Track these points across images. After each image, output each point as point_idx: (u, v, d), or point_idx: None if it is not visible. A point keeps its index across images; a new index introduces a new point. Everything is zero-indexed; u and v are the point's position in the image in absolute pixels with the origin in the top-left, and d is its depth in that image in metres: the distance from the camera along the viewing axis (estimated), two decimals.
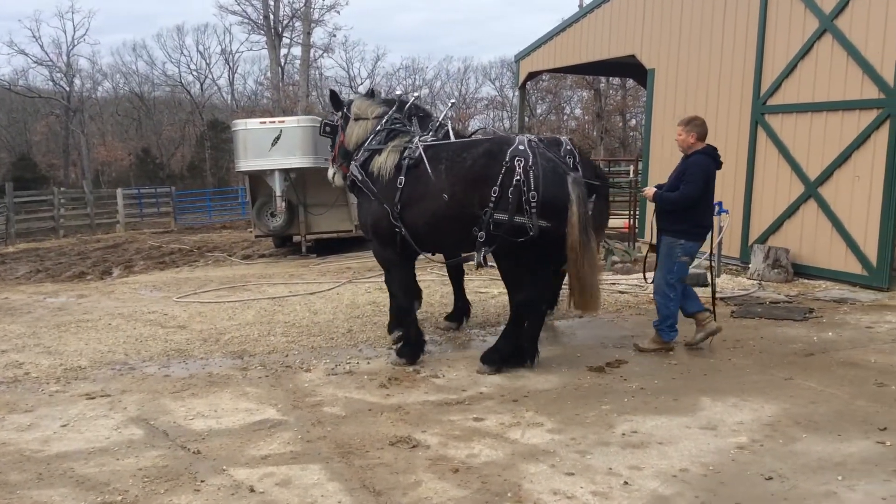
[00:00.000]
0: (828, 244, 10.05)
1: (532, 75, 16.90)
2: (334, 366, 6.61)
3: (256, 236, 17.58)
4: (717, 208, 10.00)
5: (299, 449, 4.73)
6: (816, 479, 4.18)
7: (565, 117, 52.30)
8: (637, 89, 37.91)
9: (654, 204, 6.90)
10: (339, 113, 7.26)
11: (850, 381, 5.97)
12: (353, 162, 6.87)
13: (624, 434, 4.90)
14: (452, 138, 6.81)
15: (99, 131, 54.78)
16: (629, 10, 13.60)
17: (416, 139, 6.65)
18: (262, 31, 42.69)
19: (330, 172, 7.48)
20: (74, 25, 69.97)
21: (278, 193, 15.36)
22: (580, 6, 23.84)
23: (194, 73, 59.56)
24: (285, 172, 15.28)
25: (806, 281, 10.19)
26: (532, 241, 6.07)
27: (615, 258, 12.11)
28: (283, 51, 46.79)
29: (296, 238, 17.14)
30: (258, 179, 15.97)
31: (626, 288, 10.10)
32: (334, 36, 49.11)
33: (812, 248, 10.26)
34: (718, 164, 6.82)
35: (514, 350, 6.41)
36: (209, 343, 7.59)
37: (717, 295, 9.49)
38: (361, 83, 68.26)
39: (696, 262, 11.08)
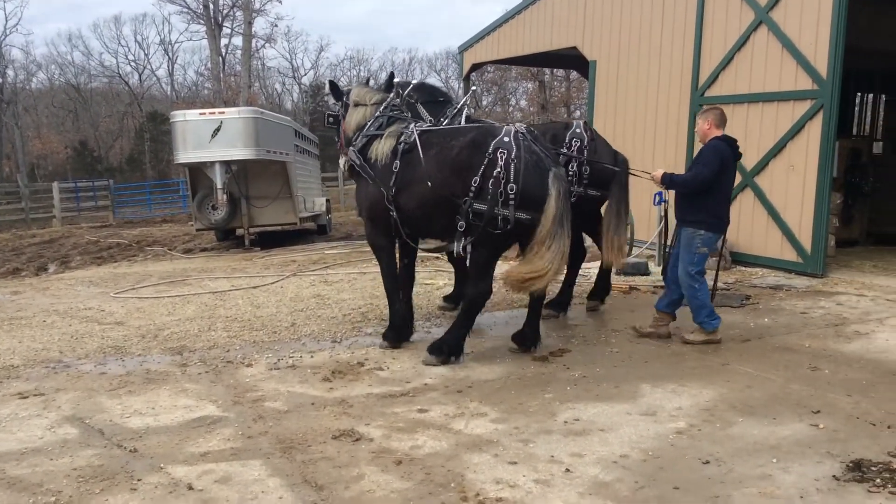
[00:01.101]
0: (764, 232, 10.29)
1: (476, 66, 16.92)
2: (277, 360, 6.52)
3: (198, 230, 17.24)
4: (656, 198, 10.16)
5: (240, 445, 4.65)
6: (752, 461, 4.27)
7: (511, 108, 52.60)
8: (581, 81, 38.26)
9: (664, 192, 6.89)
10: (340, 102, 7.31)
11: (785, 365, 6.12)
12: (351, 147, 6.93)
13: (566, 422, 4.94)
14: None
15: (34, 123, 53.15)
16: (570, 3, 13.70)
17: (412, 125, 6.70)
18: (202, 21, 41.89)
19: (342, 161, 7.52)
20: (6, 14, 67.65)
21: (219, 186, 15.07)
22: None
23: (132, 63, 58.32)
24: (226, 164, 15.00)
25: (743, 268, 10.43)
26: (509, 234, 6.12)
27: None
28: (224, 41, 46.04)
29: (239, 231, 16.90)
30: (199, 172, 15.66)
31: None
32: (276, 26, 48.32)
33: (749, 237, 10.49)
34: (737, 154, 6.80)
35: (461, 342, 6.42)
36: (147, 339, 7.43)
37: (658, 283, 9.67)
38: (305, 74, 67.54)
39: (636, 250, 11.27)
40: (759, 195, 10.26)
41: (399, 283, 7.10)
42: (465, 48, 16.82)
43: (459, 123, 7.00)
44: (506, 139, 6.12)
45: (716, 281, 7.58)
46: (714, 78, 10.78)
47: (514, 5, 15.43)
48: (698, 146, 10.34)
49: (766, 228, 10.26)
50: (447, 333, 6.50)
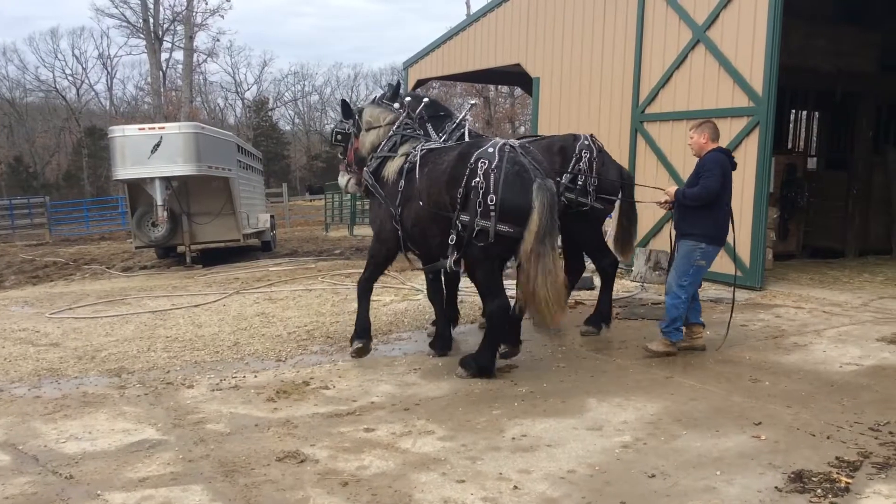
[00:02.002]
0: None
1: (421, 82, 16.95)
2: (219, 381, 6.38)
3: (137, 247, 16.88)
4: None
5: (180, 469, 4.52)
6: (696, 474, 4.32)
7: None
8: (525, 97, 38.66)
9: (667, 206, 7.04)
10: (351, 121, 7.38)
11: (727, 377, 6.22)
12: (365, 168, 7.03)
13: (514, 438, 4.93)
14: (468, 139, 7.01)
15: None
16: (513, 21, 13.85)
17: (419, 145, 6.73)
18: (142, 35, 41.23)
19: (342, 180, 7.59)
20: None
21: (159, 202, 14.79)
22: (468, 15, 24.10)
23: (70, 77, 57.05)
24: (166, 180, 14.73)
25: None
26: (499, 248, 6.07)
27: (508, 263, 12.23)
28: (165, 55, 45.44)
29: (180, 248, 16.58)
30: (138, 188, 15.35)
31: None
32: (218, 40, 47.84)
33: None
34: (733, 165, 6.88)
35: (492, 360, 6.33)
36: (84, 361, 7.20)
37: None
38: (248, 89, 67.03)
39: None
40: None
41: (436, 299, 7.31)
42: (409, 64, 16.85)
43: (462, 138, 7.09)
44: (489, 150, 6.08)
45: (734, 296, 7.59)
46: (654, 96, 10.99)
47: (457, 23, 15.55)
48: (641, 161, 10.56)
49: None
50: (478, 351, 6.38)
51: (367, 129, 7.16)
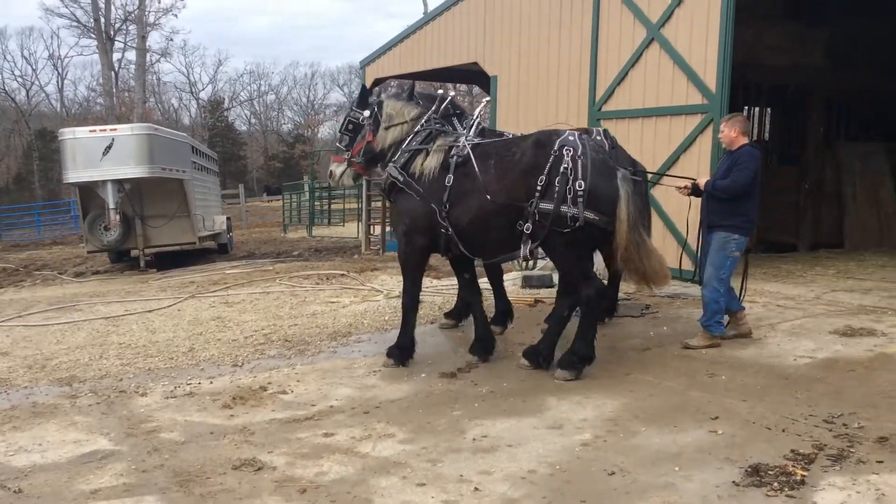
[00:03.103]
0: (661, 243, 10.54)
1: (378, 81, 16.86)
2: (173, 388, 6.25)
3: (89, 252, 16.56)
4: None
5: (133, 480, 4.41)
6: (656, 470, 4.33)
7: None
8: (483, 95, 38.68)
9: (697, 196, 7.16)
10: (367, 112, 6.99)
11: (684, 372, 6.27)
12: (391, 164, 6.74)
13: (474, 439, 4.90)
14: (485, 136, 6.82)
15: None
16: (470, 19, 13.84)
17: (462, 138, 6.57)
18: (93, 35, 40.44)
19: (338, 170, 7.14)
20: None
21: (111, 206, 14.53)
22: (425, 13, 24.03)
23: (19, 79, 55.76)
24: (119, 183, 14.47)
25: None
26: (583, 234, 6.04)
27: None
28: (117, 55, 44.67)
29: (134, 252, 16.29)
30: (89, 191, 15.05)
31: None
32: (171, 40, 47.11)
33: None
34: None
35: (591, 348, 6.25)
36: (34, 370, 7.01)
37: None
38: (203, 89, 66.15)
39: (542, 262, 11.38)
40: (656, 207, 10.52)
41: (471, 297, 7.09)
42: (367, 63, 16.75)
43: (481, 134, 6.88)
44: (570, 138, 6.10)
45: (743, 286, 7.53)
46: (610, 93, 11.06)
47: (415, 21, 15.51)
48: None
49: (662, 239, 10.53)
50: (575, 344, 6.25)
51: (388, 125, 6.90)
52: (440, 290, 10.42)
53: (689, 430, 4.95)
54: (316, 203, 27.13)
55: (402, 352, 6.74)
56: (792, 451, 4.52)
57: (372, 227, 17.43)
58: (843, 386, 5.81)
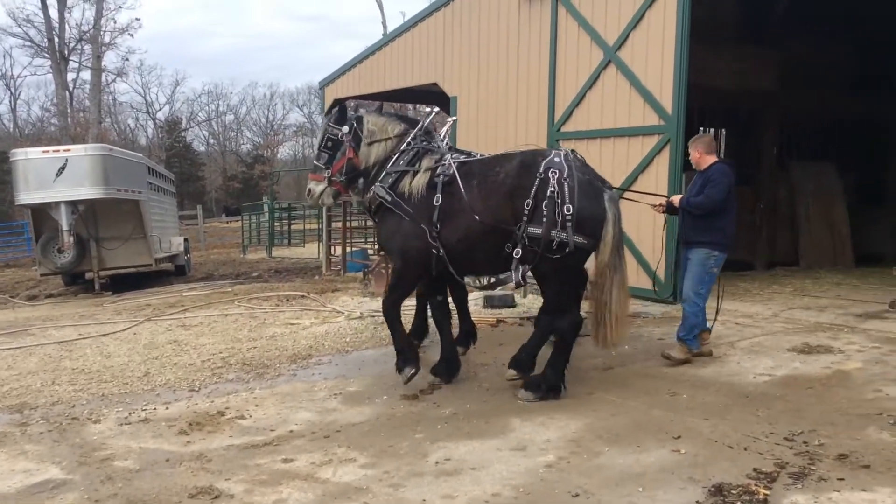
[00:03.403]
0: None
1: (338, 102, 16.70)
2: (128, 414, 6.08)
3: (42, 275, 16.17)
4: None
5: None
6: (619, 491, 4.31)
7: None
8: (443, 117, 38.79)
9: (671, 214, 7.30)
10: (346, 128, 6.71)
11: (646, 391, 6.28)
12: (377, 184, 6.52)
13: (437, 462, 4.83)
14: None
15: None
16: (429, 40, 13.89)
17: (448, 157, 6.45)
18: (47, 55, 39.75)
19: (318, 188, 6.82)
20: None
21: (65, 227, 14.23)
22: (384, 34, 24.04)
23: None
24: (72, 205, 14.18)
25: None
26: (573, 259, 6.02)
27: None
28: (72, 75, 43.90)
29: (88, 275, 15.95)
30: (42, 213, 14.72)
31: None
32: (127, 60, 46.48)
33: None
34: (735, 177, 7.12)
35: (560, 379, 6.21)
36: None
37: (524, 315, 9.80)
38: (160, 109, 65.41)
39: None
40: None
41: (435, 321, 6.99)
42: (326, 83, 16.70)
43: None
44: (556, 159, 6.03)
45: (717, 311, 7.62)
46: (568, 114, 11.15)
47: (375, 42, 15.51)
48: None
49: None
50: (546, 371, 6.21)
51: (371, 142, 6.70)
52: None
53: (652, 450, 4.94)
54: (276, 223, 26.88)
55: (408, 363, 6.51)
56: (754, 469, 4.53)
57: (333, 247, 17.28)
58: (803, 403, 5.87)
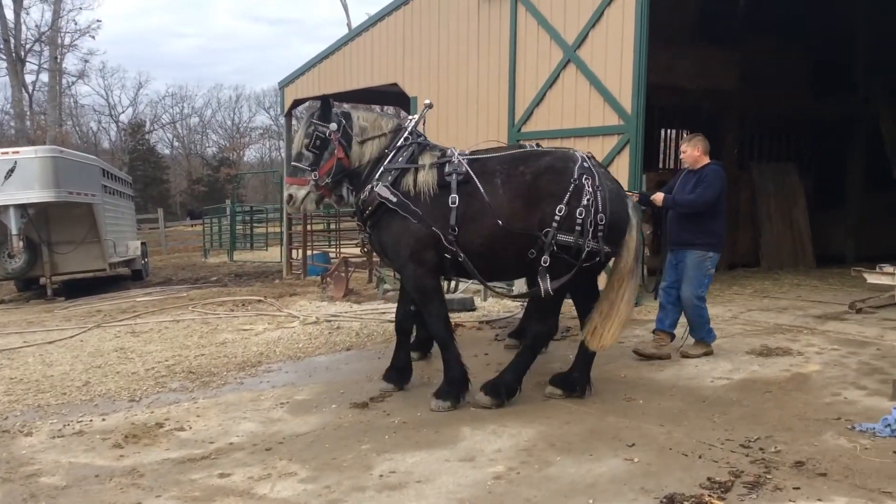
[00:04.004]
0: None
1: (298, 102, 16.54)
2: (62, 426, 5.79)
3: None
4: None
5: None
6: (569, 503, 4.13)
7: None
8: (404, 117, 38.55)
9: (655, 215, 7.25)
10: (334, 125, 6.08)
11: (602, 397, 6.12)
12: (379, 183, 5.97)
13: (382, 475, 4.62)
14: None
15: None
16: (389, 40, 13.68)
17: (454, 153, 6.06)
18: (3, 56, 38.88)
19: (300, 193, 6.16)
20: None
21: (14, 232, 13.78)
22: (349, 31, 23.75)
23: None
24: (22, 208, 13.74)
25: (566, 300, 10.55)
26: (596, 266, 5.88)
27: (387, 286, 11.96)
28: (31, 77, 43.00)
29: (42, 280, 15.50)
30: None
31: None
32: (87, 61, 45.69)
33: None
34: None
35: (519, 382, 6.02)
36: None
37: (483, 318, 9.63)
38: (123, 111, 64.34)
39: (462, 286, 11.20)
40: None
41: (400, 328, 6.64)
42: (285, 84, 16.41)
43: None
44: (586, 164, 5.82)
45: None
46: (529, 114, 11.00)
47: (335, 41, 15.26)
48: None
49: None
50: (505, 373, 6.00)
51: (364, 139, 6.14)
52: (359, 315, 10.11)
53: (605, 459, 4.78)
54: (238, 227, 26.48)
55: (457, 388, 5.98)
56: (708, 479, 4.38)
57: (294, 250, 16.97)
58: (760, 408, 5.75)
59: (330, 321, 9.60)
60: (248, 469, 4.79)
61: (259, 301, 11.88)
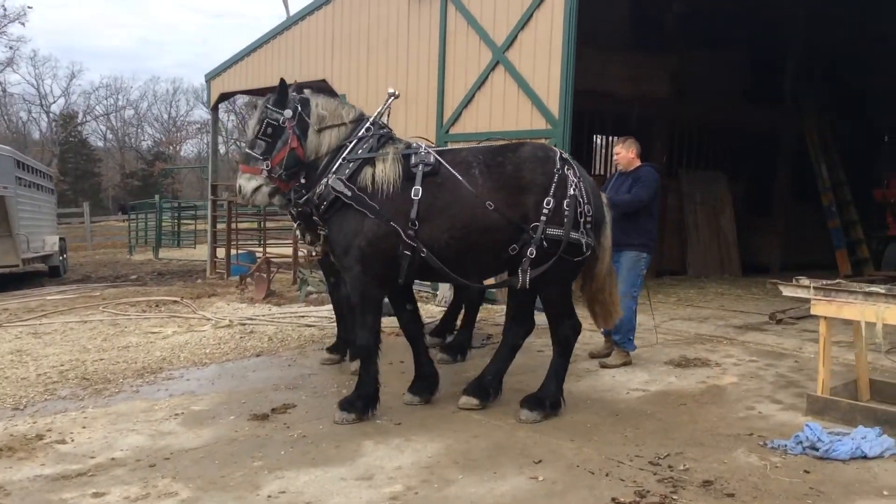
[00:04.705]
0: None
1: (225, 96, 16.07)
2: None
3: None
4: None
5: None
6: None
7: None
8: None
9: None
10: (288, 112, 5.59)
11: (514, 409, 5.86)
12: (332, 176, 5.52)
13: (270, 496, 4.31)
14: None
15: None
16: (318, 35, 13.34)
17: (421, 145, 5.75)
18: None
19: (249, 184, 5.63)
20: None
21: None
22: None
23: None
24: None
25: (490, 306, 10.39)
26: (583, 262, 5.69)
27: (310, 288, 11.61)
28: None
29: None
30: None
31: (315, 321, 9.60)
32: (16, 49, 43.93)
33: None
34: None
35: (561, 391, 5.83)
36: None
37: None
38: (54, 101, 62.26)
39: None
40: None
41: (408, 335, 6.20)
42: (212, 77, 15.89)
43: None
44: (563, 155, 5.70)
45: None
46: (457, 115, 10.79)
47: (263, 34, 14.81)
48: None
49: None
50: (548, 384, 5.79)
51: (321, 128, 5.68)
52: (276, 318, 9.74)
53: (509, 477, 4.56)
54: (167, 223, 25.72)
55: (365, 401, 5.68)
56: (612, 499, 4.21)
57: (218, 249, 16.44)
58: (673, 422, 5.61)
59: (244, 325, 9.22)
60: (125, 488, 4.42)
61: (175, 302, 11.40)
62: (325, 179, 5.59)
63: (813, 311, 5.71)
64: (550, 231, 5.45)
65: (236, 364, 7.49)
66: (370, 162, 5.60)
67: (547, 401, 5.71)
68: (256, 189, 5.65)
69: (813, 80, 15.31)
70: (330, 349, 7.63)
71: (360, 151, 5.63)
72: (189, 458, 4.92)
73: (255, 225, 21.55)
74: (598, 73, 11.62)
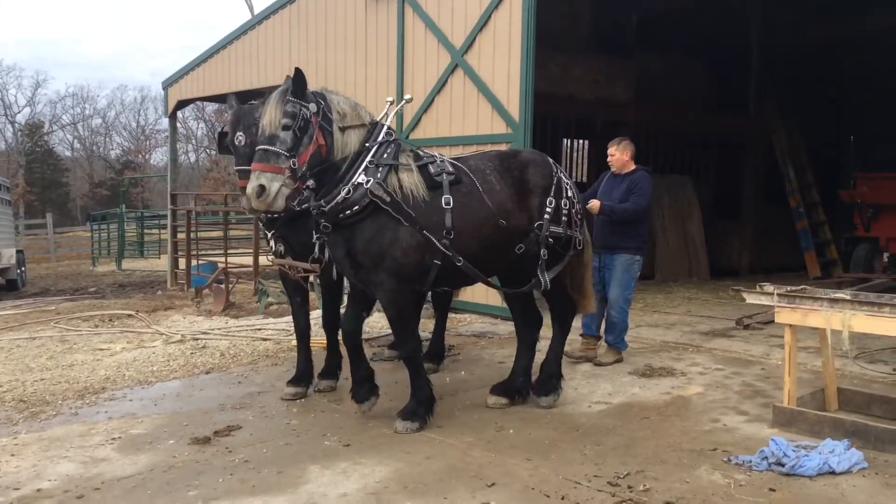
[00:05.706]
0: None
1: (182, 103, 15.69)
2: None
3: None
4: None
5: None
6: None
7: None
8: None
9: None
10: (313, 107, 5.09)
11: (472, 426, 5.65)
12: (370, 180, 5.13)
13: None
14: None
15: None
16: (276, 39, 13.06)
17: (435, 154, 5.77)
18: None
19: (273, 185, 4.93)
20: None
21: None
22: None
23: None
24: None
25: (452, 315, 10.11)
26: (572, 256, 6.07)
27: (270, 300, 11.28)
28: None
29: None
30: None
31: (272, 334, 9.28)
32: None
33: None
34: None
35: (560, 366, 6.33)
36: None
37: (364, 337, 9.05)
38: (20, 111, 61.19)
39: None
40: None
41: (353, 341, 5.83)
42: (169, 84, 15.49)
43: None
44: (550, 159, 6.13)
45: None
46: (417, 120, 10.54)
47: (221, 38, 14.46)
48: None
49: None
50: (547, 366, 6.23)
51: (345, 127, 5.25)
52: (231, 332, 9.41)
53: (460, 503, 4.30)
54: (131, 233, 25.19)
55: (425, 406, 5.61)
56: None
57: (178, 259, 16.03)
58: (635, 437, 5.39)
59: (197, 339, 8.88)
60: None
61: (129, 316, 11.02)
62: (353, 182, 5.16)
63: (777, 320, 5.53)
64: (554, 229, 5.81)
65: (183, 382, 7.16)
66: (395, 168, 5.31)
67: (554, 378, 6.16)
68: (279, 189, 4.96)
69: (776, 84, 15.25)
70: (291, 382, 6.72)
71: (384, 156, 5.29)
72: (120, 488, 4.61)
73: (217, 234, 21.10)
74: (559, 76, 11.44)
